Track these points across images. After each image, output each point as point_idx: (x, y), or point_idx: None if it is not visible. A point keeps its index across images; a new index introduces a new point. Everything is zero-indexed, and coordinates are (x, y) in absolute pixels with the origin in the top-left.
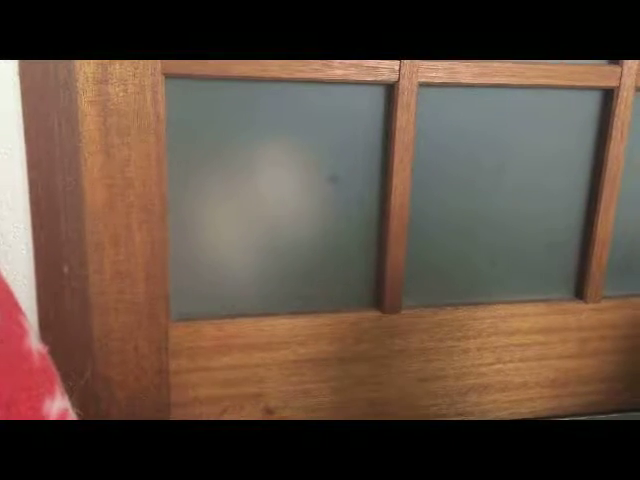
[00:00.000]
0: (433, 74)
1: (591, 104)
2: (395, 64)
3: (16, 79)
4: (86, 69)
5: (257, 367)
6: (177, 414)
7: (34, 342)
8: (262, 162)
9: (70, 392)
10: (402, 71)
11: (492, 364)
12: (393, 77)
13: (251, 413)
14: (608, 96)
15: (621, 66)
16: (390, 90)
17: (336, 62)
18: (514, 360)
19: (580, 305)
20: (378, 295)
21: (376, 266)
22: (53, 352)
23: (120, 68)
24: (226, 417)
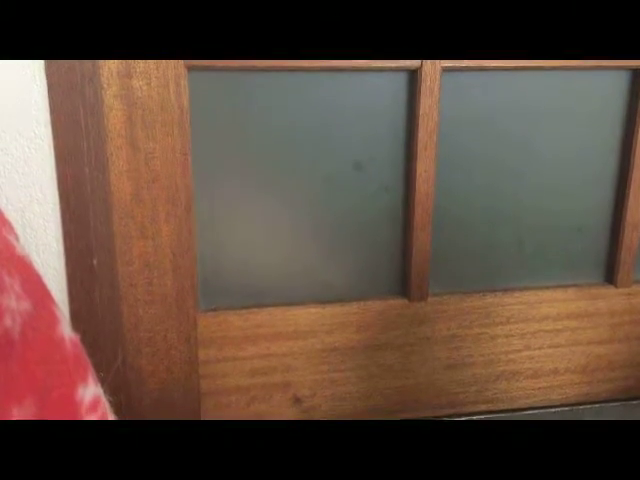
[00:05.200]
0: None
1: (619, 85)
2: None
3: (42, 75)
4: (110, 64)
5: (285, 356)
6: (207, 403)
7: (66, 330)
8: (286, 151)
9: (102, 382)
10: None
11: (521, 351)
12: (416, 63)
13: (280, 402)
14: (636, 76)
15: None
16: (413, 76)
17: None
18: (544, 346)
19: (610, 290)
20: (404, 283)
21: (402, 254)
22: (84, 343)
23: (143, 62)
24: (254, 406)
